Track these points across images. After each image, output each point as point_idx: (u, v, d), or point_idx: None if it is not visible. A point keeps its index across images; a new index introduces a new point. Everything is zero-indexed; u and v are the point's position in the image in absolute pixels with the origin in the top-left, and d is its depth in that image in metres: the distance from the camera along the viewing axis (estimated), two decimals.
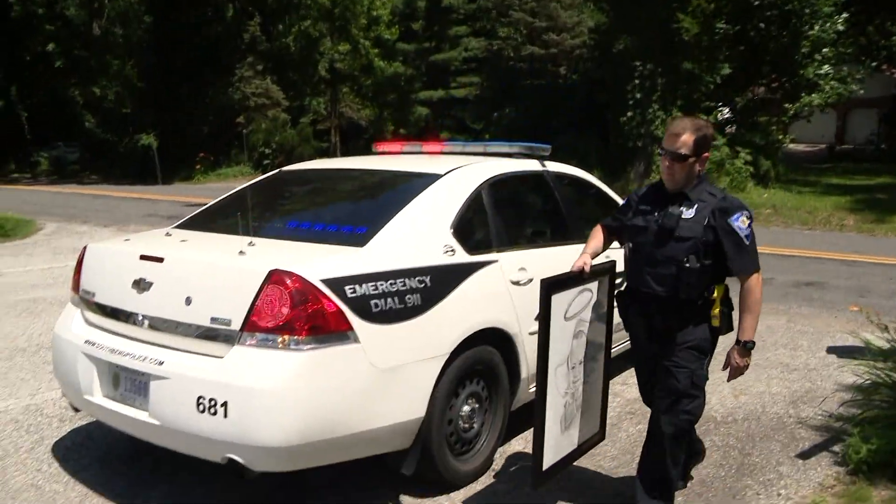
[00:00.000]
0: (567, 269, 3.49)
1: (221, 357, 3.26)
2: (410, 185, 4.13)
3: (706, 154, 3.43)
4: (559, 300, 3.40)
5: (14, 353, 6.29)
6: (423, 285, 3.59)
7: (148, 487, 3.94)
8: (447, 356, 3.66)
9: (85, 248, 4.07)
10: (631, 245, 3.58)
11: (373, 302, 3.37)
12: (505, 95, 28.51)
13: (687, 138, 3.35)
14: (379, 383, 3.39)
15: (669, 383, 3.43)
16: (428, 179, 4.14)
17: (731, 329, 3.51)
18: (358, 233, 3.70)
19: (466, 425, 3.92)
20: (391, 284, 3.46)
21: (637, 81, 20.07)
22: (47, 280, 9.52)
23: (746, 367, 3.43)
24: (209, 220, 4.36)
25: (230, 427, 3.18)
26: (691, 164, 3.37)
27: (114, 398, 3.63)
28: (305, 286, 3.20)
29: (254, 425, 3.15)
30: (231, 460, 3.23)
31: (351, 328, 3.28)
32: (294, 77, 30.39)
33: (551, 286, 3.35)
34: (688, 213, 3.37)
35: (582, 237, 4.75)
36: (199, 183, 26.89)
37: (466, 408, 3.91)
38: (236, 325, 3.23)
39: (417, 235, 3.80)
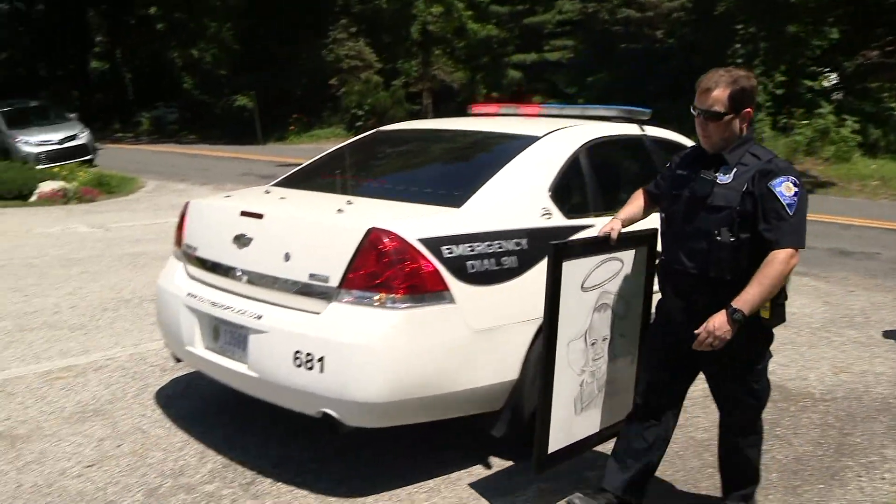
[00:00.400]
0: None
1: (318, 313, 3.31)
2: (508, 147, 4.08)
3: (748, 109, 2.96)
4: (573, 268, 3.14)
5: (119, 304, 6.55)
6: (519, 248, 3.55)
7: (244, 435, 4.05)
8: (541, 320, 3.62)
9: (188, 203, 4.17)
10: (664, 215, 3.21)
11: (469, 263, 3.35)
12: (599, 59, 27.91)
13: (720, 93, 2.90)
14: (473, 344, 3.38)
15: (726, 388, 3.15)
16: (525, 141, 4.08)
17: (782, 320, 3.01)
18: (455, 194, 3.68)
19: None
20: (488, 246, 3.43)
21: (737, 46, 19.32)
22: (149, 235, 9.87)
23: (720, 339, 2.83)
24: (307, 179, 4.41)
25: (326, 382, 3.23)
26: (728, 122, 2.92)
27: (214, 350, 3.74)
28: (403, 245, 3.20)
29: (349, 381, 3.19)
30: (326, 414, 3.29)
31: (447, 288, 3.27)
32: (387, 39, 30.43)
33: (561, 250, 3.10)
34: (724, 178, 2.92)
35: None
36: (293, 144, 27.33)
37: None
38: (334, 281, 3.27)
39: (514, 198, 3.75)
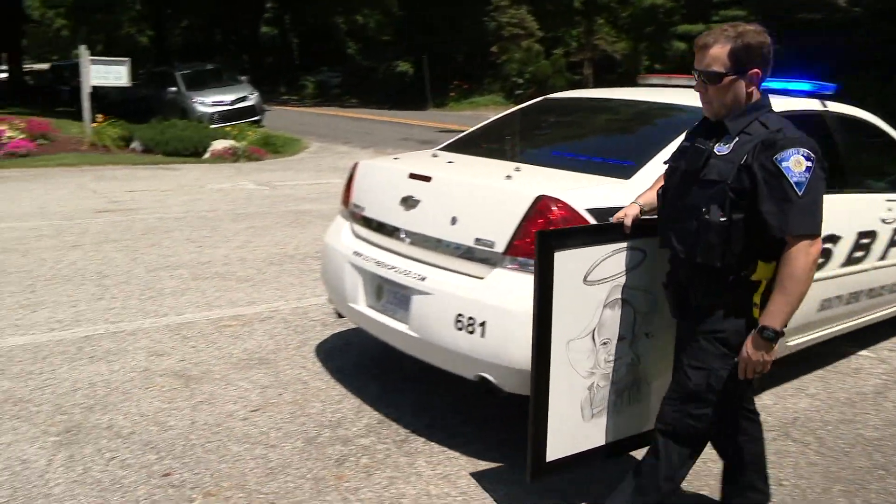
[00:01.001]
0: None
1: (482, 278, 3.30)
2: (677, 120, 3.90)
3: (755, 70, 2.56)
4: (571, 259, 2.80)
5: (284, 259, 6.84)
6: None
7: (399, 394, 4.13)
8: None
9: (357, 164, 4.26)
10: (660, 191, 2.86)
11: None
12: (773, 30, 26.41)
13: (718, 51, 2.53)
14: None
15: (680, 378, 2.73)
16: (696, 114, 3.89)
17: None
18: (624, 165, 3.56)
19: None
20: None
21: None
22: (312, 195, 10.24)
23: (763, 364, 2.51)
24: (474, 144, 4.40)
25: (486, 346, 3.23)
26: (730, 84, 2.54)
27: (376, 308, 3.81)
28: (571, 213, 3.13)
29: (509, 347, 3.17)
30: (483, 378, 3.29)
31: None
32: (549, 7, 30.04)
33: (548, 238, 2.79)
34: (722, 148, 2.56)
35: (859, 187, 4.26)
36: (452, 110, 27.60)
37: None
38: (500, 247, 3.24)
39: None
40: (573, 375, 2.91)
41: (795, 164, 2.41)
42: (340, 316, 4.33)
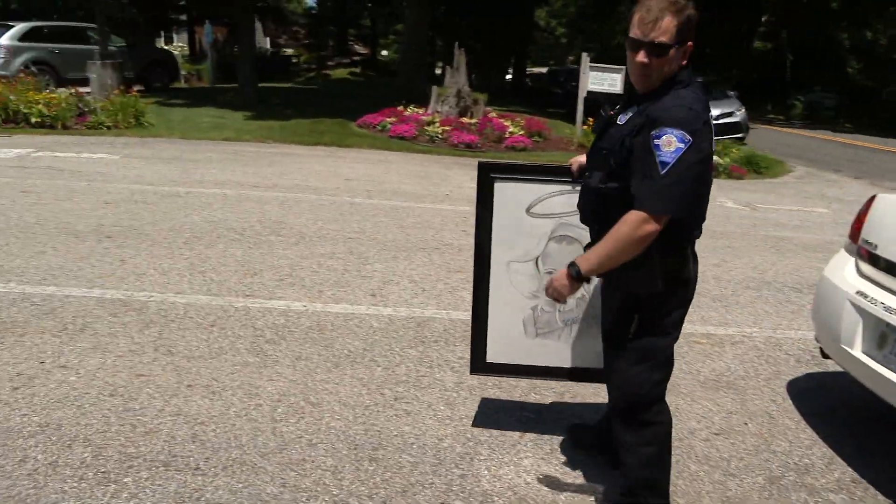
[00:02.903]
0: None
1: None
2: None
3: (690, 44, 2.57)
4: (512, 189, 3.31)
5: (761, 285, 6.58)
6: None
7: (880, 456, 3.72)
8: None
9: (874, 197, 3.90)
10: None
11: None
12: None
13: (668, 23, 2.49)
14: None
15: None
16: None
17: (649, 287, 2.63)
18: None
19: None
20: None
21: None
22: (794, 221, 9.69)
23: (560, 295, 2.72)
24: None
25: None
26: (672, 56, 2.53)
27: (875, 357, 3.46)
28: None
29: None
30: None
31: None
32: None
33: (487, 168, 3.36)
34: (622, 118, 2.66)
35: None
36: None
37: None
38: None
39: None
40: (514, 293, 3.41)
41: (667, 143, 2.41)
42: (825, 356, 4.02)
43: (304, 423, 3.66)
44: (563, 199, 3.30)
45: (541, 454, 3.53)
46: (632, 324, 2.74)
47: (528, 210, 3.33)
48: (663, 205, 2.45)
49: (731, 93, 21.23)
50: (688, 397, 4.23)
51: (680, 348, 4.92)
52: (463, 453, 3.50)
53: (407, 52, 23.40)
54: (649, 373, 2.79)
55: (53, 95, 14.66)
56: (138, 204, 8.08)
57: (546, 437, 3.69)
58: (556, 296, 2.75)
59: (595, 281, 3.07)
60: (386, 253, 6.74)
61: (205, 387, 3.97)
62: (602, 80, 15.22)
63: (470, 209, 7.03)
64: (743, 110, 19.64)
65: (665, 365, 2.85)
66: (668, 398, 4.14)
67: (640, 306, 2.72)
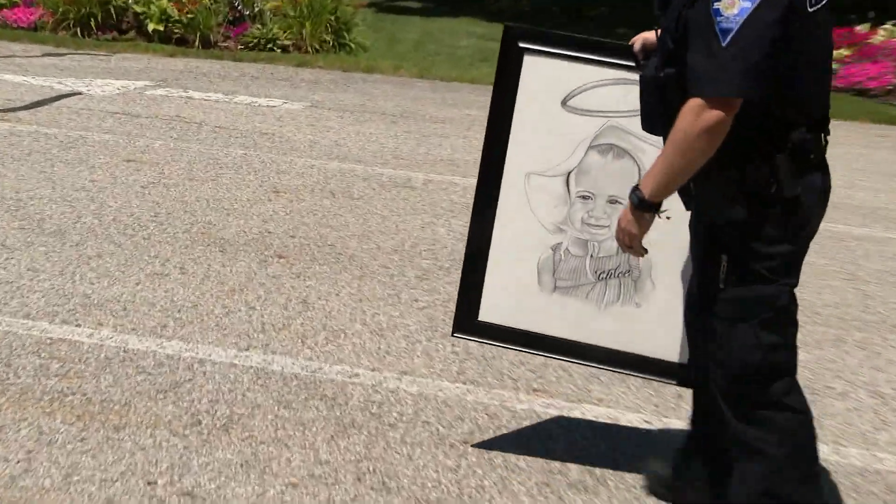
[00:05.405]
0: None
1: None
2: None
3: None
4: (546, 69, 2.33)
5: None
6: None
7: None
8: None
9: None
10: None
11: None
12: None
13: None
14: None
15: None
16: None
17: (731, 212, 1.89)
18: None
19: None
20: None
21: None
22: None
23: (632, 238, 1.95)
24: None
25: None
26: None
27: None
28: None
29: None
30: None
31: None
32: None
33: (518, 36, 2.36)
34: None
35: None
36: None
37: None
38: None
39: None
40: (530, 221, 2.39)
41: (728, 4, 1.75)
42: None
43: None
44: (618, 92, 2.31)
45: None
46: (720, 268, 1.97)
47: (564, 101, 2.37)
48: (722, 83, 1.76)
49: None
50: None
51: None
52: None
53: None
54: (756, 334, 1.95)
55: None
56: (336, 197, 5.06)
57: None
58: (628, 241, 1.99)
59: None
60: None
61: None
62: None
63: None
64: None
65: (779, 324, 1.97)
66: None
67: (725, 241, 1.96)
